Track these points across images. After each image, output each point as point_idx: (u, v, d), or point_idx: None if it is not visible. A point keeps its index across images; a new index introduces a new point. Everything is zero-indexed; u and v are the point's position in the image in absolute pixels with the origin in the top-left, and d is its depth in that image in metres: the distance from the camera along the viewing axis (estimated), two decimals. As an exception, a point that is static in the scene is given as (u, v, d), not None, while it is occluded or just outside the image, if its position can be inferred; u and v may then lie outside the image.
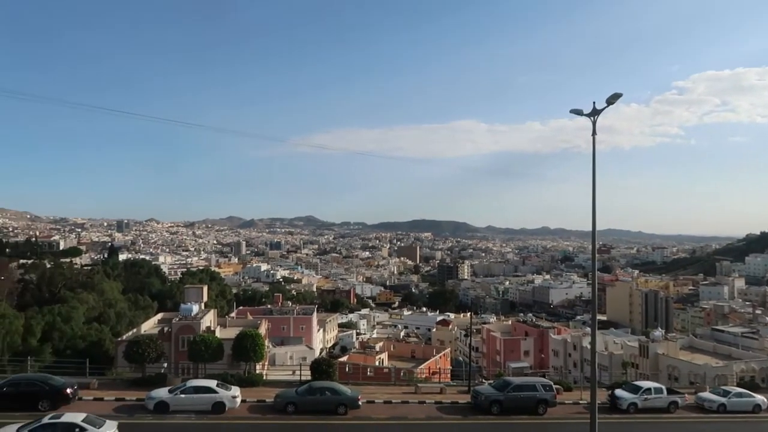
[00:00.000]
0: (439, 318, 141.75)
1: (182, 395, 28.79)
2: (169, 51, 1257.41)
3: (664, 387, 37.21)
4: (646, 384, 37.12)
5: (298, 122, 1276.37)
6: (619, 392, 35.95)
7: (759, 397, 37.69)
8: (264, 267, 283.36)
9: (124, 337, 49.50)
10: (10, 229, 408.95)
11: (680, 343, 70.68)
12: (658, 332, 75.23)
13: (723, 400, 36.64)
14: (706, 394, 38.12)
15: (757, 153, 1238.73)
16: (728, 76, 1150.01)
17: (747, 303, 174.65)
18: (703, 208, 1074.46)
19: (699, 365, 58.31)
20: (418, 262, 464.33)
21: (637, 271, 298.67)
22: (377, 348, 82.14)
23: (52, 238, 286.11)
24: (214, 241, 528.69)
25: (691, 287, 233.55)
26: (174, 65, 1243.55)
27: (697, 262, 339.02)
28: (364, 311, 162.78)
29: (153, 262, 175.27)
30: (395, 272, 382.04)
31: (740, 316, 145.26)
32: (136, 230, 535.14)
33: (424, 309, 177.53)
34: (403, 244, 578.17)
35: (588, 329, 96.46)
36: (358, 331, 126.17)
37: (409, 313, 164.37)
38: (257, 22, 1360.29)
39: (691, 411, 36.04)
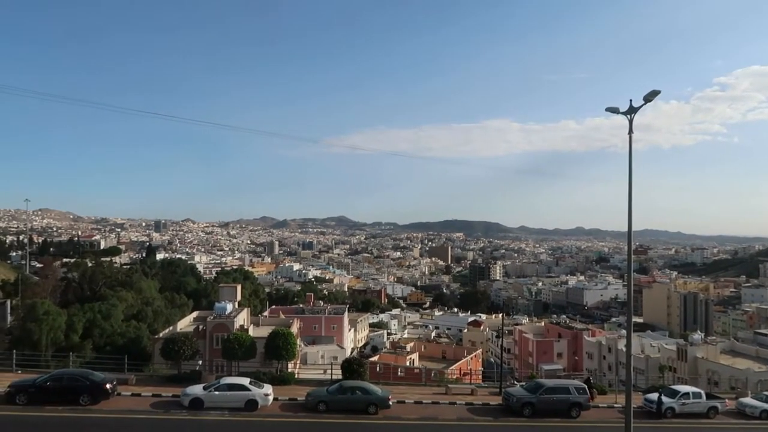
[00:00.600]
0: (471, 319, 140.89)
1: (216, 392, 29.26)
2: (204, 53, 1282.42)
3: (703, 392, 36.24)
4: (684, 388, 36.19)
5: (331, 123, 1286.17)
6: (655, 396, 35.17)
7: (804, 404, 36.38)
8: (296, 267, 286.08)
9: (161, 334, 50.55)
10: (54, 229, 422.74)
11: (720, 347, 68.78)
12: (698, 335, 73.33)
13: (766, 406, 35.51)
14: (748, 400, 36.98)
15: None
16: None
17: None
18: (746, 207, 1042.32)
19: (740, 370, 56.64)
20: (449, 262, 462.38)
21: (675, 273, 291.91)
22: (408, 348, 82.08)
23: (93, 238, 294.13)
24: (248, 241, 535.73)
25: (732, 289, 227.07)
26: (209, 67, 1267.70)
27: (740, 264, 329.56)
28: (395, 311, 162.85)
29: (189, 262, 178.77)
30: (426, 272, 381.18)
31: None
32: (173, 230, 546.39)
33: (456, 310, 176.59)
34: (434, 245, 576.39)
35: (623, 332, 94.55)
36: (389, 331, 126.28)
37: (440, 313, 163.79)
38: (289, 24, 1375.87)
39: (731, 417, 34.99)
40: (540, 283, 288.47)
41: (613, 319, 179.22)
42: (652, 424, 32.05)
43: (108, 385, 28.92)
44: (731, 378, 55.48)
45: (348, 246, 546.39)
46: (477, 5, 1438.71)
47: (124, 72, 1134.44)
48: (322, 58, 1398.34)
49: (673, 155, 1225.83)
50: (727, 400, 36.86)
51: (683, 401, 33.96)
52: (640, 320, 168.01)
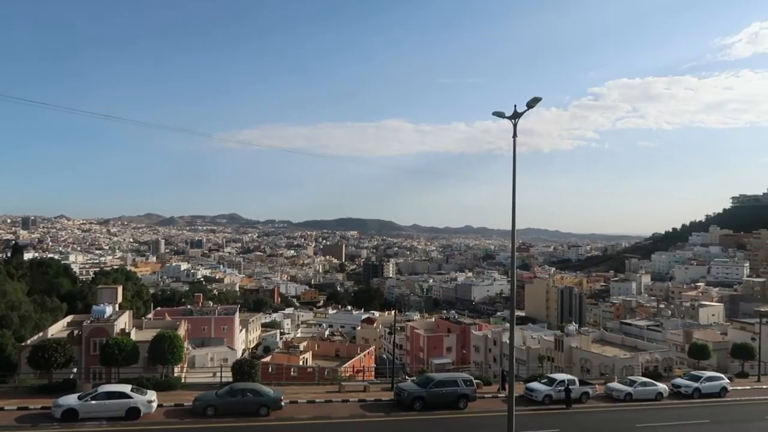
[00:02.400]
0: (364, 316, 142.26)
1: (93, 401, 27.32)
2: (92, 44, 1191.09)
3: (576, 379, 39.20)
4: (560, 376, 38.92)
5: (225, 118, 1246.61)
6: (534, 385, 37.52)
7: (661, 386, 40.54)
8: (184, 266, 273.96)
9: (29, 341, 46.40)
10: None
11: (592, 337, 74.45)
12: (572, 327, 78.85)
13: (629, 389, 39.02)
14: (615, 384, 40.46)
15: (663, 157, 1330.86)
16: (639, 84, 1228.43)
17: (652, 298, 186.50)
18: (615, 208, 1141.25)
19: (609, 357, 61.67)
20: (343, 260, 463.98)
21: (553, 269, 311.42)
22: (301, 347, 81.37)
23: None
24: (131, 240, 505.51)
25: (602, 283, 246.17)
26: (96, 58, 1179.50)
27: (609, 260, 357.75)
28: (289, 310, 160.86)
29: (62, 262, 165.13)
30: (320, 271, 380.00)
31: (646, 311, 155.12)
32: (44, 227, 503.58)
33: (349, 308, 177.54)
34: (328, 243, 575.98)
35: (507, 325, 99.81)
36: (282, 330, 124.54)
37: (334, 311, 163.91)
38: (186, 18, 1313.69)
39: (600, 401, 38.13)
40: (431, 280, 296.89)
41: (498, 314, 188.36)
42: (532, 410, 34.16)
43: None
44: (601, 365, 60.34)
45: (240, 244, 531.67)
46: (375, 7, 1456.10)
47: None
48: (218, 54, 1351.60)
49: (553, 158, 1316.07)
50: (597, 386, 40.18)
51: (560, 388, 36.48)
52: (522, 314, 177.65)
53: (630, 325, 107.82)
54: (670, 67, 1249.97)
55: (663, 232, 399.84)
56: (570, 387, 36.36)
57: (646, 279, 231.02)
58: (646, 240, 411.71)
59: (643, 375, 46.83)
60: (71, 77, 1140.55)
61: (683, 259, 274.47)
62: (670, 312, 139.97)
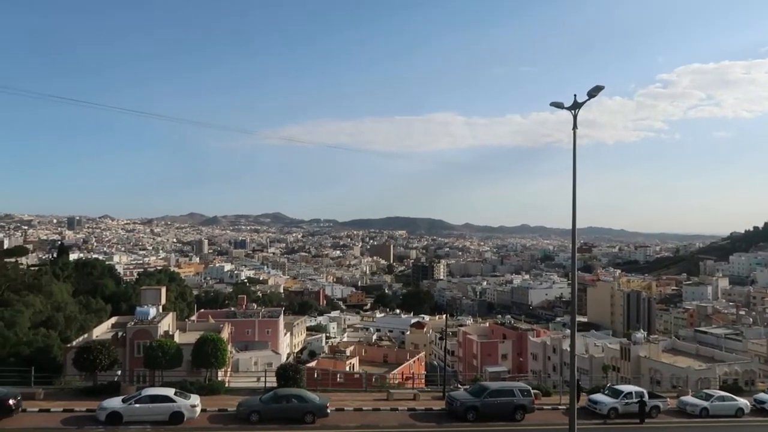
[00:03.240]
0: (414, 320, 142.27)
1: (137, 405, 28.28)
2: (129, 36, 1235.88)
3: (645, 391, 37.94)
4: (627, 388, 37.77)
5: (267, 114, 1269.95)
6: (598, 397, 36.55)
7: (742, 401, 38.65)
8: (227, 267, 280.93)
9: (75, 343, 48.40)
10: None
11: (663, 346, 72.19)
12: (640, 334, 76.71)
13: (705, 404, 37.48)
14: (689, 398, 38.94)
15: (741, 149, 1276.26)
16: (713, 70, 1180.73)
17: (731, 303, 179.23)
18: (688, 205, 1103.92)
19: (681, 368, 59.59)
20: (391, 261, 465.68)
21: (619, 271, 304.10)
22: (348, 352, 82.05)
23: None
24: (174, 240, 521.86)
25: (674, 287, 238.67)
26: (135, 52, 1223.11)
27: (681, 262, 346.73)
28: (334, 314, 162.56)
29: (107, 262, 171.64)
30: (367, 272, 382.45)
31: (724, 317, 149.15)
32: (88, 228, 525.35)
33: (398, 311, 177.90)
34: (376, 243, 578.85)
35: (568, 331, 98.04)
36: (327, 334, 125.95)
37: (382, 315, 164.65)
38: (222, 8, 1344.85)
39: (673, 416, 36.78)
40: (484, 283, 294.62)
41: (558, 319, 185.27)
42: (596, 425, 33.30)
43: (10, 401, 27.44)
44: (673, 376, 58.35)
45: (284, 244, 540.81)
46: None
47: (33, 54, 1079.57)
48: (256, 45, 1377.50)
49: (618, 151, 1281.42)
50: (668, 399, 38.76)
51: (626, 401, 35.41)
52: (584, 319, 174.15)
53: (705, 333, 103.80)
54: (749, 50, 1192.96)
55: (743, 231, 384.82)
56: (644, 400, 35.22)
57: (724, 283, 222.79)
58: (724, 240, 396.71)
59: (721, 388, 44.99)
60: (106, 71, 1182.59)
61: (766, 261, 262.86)
62: (751, 319, 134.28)
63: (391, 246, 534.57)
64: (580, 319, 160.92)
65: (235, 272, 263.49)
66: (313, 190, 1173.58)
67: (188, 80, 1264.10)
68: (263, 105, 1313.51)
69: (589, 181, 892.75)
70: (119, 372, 40.42)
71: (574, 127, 21.57)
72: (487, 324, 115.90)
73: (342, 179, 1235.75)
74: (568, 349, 69.69)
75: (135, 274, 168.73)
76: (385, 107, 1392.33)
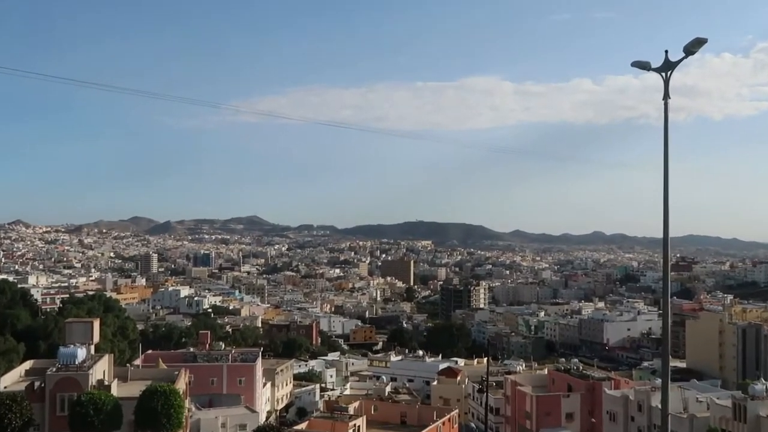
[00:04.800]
0: (443, 366, 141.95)
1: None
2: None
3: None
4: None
5: (238, 80, 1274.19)
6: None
7: None
8: (185, 291, 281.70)
9: (-26, 396, 48.84)
10: None
11: (792, 401, 71.57)
12: (761, 386, 76.08)
13: None
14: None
15: None
16: None
17: None
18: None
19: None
20: (411, 283, 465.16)
21: (730, 297, 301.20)
22: (351, 410, 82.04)
23: None
24: (112, 254, 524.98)
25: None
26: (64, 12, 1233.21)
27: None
28: (333, 356, 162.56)
29: (19, 285, 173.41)
30: (378, 299, 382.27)
31: None
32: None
33: (421, 353, 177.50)
34: (390, 258, 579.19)
35: (659, 381, 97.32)
36: (323, 385, 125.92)
37: (399, 358, 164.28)
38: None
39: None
40: (542, 313, 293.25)
41: (645, 364, 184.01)
42: None
43: None
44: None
45: (263, 260, 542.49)
46: None
47: None
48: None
49: (728, 130, 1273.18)
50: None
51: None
52: (682, 364, 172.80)
53: None
54: None
55: None
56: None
57: None
58: None
59: None
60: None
61: None
62: None
63: (411, 262, 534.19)
64: (675, 363, 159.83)
65: (196, 299, 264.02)
66: (303, 185, 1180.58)
67: (129, 41, 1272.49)
68: (232, 67, 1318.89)
69: (689, 171, 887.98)
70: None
71: (666, 96, 21.44)
72: (546, 371, 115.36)
73: (343, 170, 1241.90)
74: (659, 405, 69.27)
75: (58, 302, 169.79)
76: (404, 70, 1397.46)
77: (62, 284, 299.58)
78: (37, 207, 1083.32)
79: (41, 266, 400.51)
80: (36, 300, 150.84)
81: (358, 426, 76.99)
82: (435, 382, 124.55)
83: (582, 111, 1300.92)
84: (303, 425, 73.85)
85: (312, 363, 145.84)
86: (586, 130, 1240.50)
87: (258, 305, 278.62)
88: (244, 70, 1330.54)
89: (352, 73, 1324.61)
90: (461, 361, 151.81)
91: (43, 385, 48.95)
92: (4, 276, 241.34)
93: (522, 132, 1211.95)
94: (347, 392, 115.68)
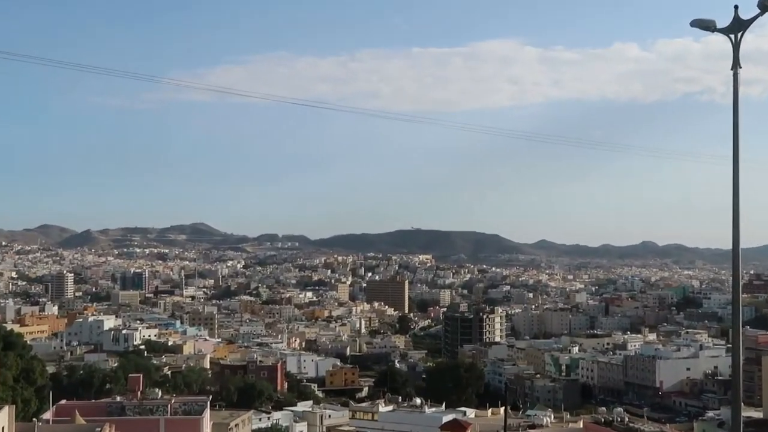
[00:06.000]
0: (447, 418, 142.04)
1: None
2: None
3: None
4: None
5: (183, 47, 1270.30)
6: None
7: None
8: (110, 322, 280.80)
9: None
10: None
11: None
12: None
13: None
14: None
15: None
16: None
17: None
18: None
19: None
20: (406, 310, 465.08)
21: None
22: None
23: None
24: (13, 273, 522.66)
25: None
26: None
27: None
28: (304, 406, 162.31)
29: None
30: (363, 330, 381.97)
31: None
32: None
33: (419, 401, 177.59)
34: (379, 277, 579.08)
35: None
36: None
37: (390, 408, 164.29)
38: None
39: None
40: (576, 348, 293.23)
41: (710, 413, 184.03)
42: None
43: None
44: None
45: (212, 281, 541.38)
46: None
47: None
48: None
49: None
50: None
51: None
52: (757, 414, 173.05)
53: None
54: None
55: None
56: None
57: None
58: None
59: None
60: None
61: None
62: None
63: (406, 283, 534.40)
64: (749, 413, 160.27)
65: (124, 332, 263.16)
66: (265, 183, 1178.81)
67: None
68: (173, 29, 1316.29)
69: (766, 163, 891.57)
70: None
71: (736, 64, 21.48)
72: (581, 423, 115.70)
73: (318, 164, 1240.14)
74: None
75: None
76: (397, 32, 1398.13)
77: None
78: None
79: None
80: None
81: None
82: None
83: (627, 85, 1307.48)
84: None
85: (277, 415, 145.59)
86: (632, 110, 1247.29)
87: (206, 340, 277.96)
88: (190, 33, 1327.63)
89: (330, 38, 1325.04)
90: (471, 412, 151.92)
91: None
92: None
93: (549, 112, 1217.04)
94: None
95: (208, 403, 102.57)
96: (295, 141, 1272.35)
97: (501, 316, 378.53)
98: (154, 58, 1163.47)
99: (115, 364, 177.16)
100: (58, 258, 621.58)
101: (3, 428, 53.60)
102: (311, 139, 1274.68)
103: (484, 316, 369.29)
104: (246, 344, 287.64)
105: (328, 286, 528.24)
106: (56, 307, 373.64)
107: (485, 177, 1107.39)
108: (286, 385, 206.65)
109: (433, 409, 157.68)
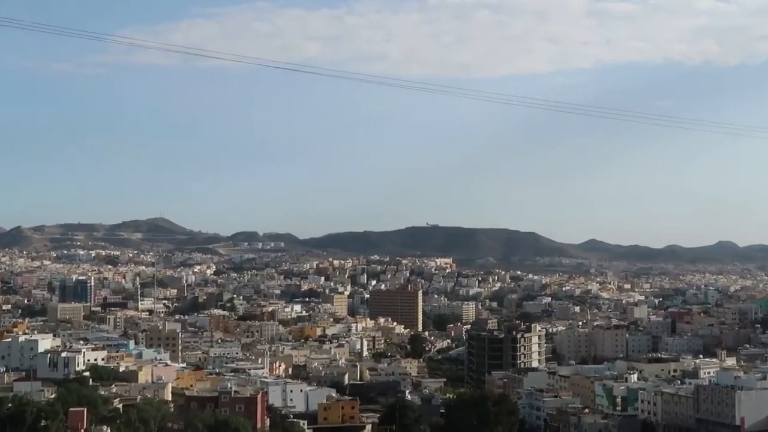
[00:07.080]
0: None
1: None
2: None
3: None
4: None
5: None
6: None
7: None
8: (46, 343, 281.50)
9: None
10: None
11: None
12: None
13: None
14: None
15: None
16: None
17: None
18: None
19: None
20: (420, 328, 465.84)
21: None
22: None
23: None
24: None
25: None
26: None
27: None
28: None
29: None
30: (366, 354, 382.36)
31: None
32: None
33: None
34: (385, 286, 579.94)
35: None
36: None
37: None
38: None
39: None
40: (634, 376, 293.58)
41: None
42: None
43: None
44: None
45: (175, 290, 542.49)
46: None
47: None
48: None
49: None
50: None
51: None
52: None
53: None
54: None
55: None
56: None
57: None
58: None
59: None
60: None
61: None
62: None
63: (420, 293, 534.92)
64: None
65: (64, 355, 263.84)
66: (242, 170, 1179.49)
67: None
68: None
69: None
70: None
71: None
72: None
73: (308, 145, 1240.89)
74: None
75: None
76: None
77: None
78: None
79: None
80: None
81: None
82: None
83: (698, 45, 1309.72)
84: None
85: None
86: (705, 76, 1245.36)
87: (167, 365, 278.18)
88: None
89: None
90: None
91: None
92: None
93: (600, 79, 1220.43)
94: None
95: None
96: (278, 116, 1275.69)
97: (539, 336, 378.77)
98: (103, 12, 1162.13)
99: (53, 396, 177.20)
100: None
101: None
102: (298, 113, 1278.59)
103: (518, 336, 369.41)
104: (217, 370, 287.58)
105: (321, 298, 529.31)
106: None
107: (518, 162, 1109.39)
108: (267, 421, 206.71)
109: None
